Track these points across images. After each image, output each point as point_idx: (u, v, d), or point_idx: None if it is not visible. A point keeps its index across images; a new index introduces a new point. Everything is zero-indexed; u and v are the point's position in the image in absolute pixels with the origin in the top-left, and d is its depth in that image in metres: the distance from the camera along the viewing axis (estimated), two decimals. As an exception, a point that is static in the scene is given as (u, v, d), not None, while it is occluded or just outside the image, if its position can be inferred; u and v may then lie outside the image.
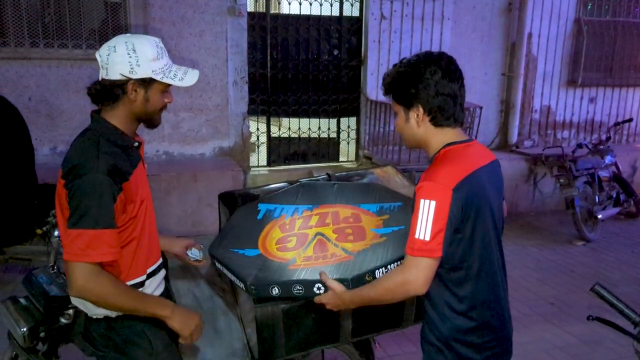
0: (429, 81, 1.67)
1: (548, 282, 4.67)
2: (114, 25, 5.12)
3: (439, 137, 1.73)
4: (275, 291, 1.84)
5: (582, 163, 5.70)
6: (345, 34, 6.09)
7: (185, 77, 1.81)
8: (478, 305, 1.72)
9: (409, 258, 1.62)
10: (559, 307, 4.22)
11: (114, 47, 1.72)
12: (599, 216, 5.74)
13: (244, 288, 1.90)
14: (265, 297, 1.86)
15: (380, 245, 1.96)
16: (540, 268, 4.99)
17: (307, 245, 2.03)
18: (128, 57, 1.70)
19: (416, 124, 1.73)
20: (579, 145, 5.98)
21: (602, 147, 6.09)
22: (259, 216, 2.27)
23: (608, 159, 6.04)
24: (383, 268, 1.83)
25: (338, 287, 1.77)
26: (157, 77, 1.74)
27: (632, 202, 6.27)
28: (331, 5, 5.96)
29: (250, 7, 5.87)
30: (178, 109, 5.37)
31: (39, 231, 3.44)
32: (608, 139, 6.21)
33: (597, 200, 5.78)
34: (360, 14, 6.10)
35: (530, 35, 6.59)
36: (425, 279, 1.60)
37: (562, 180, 5.60)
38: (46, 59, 5.01)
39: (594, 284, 1.78)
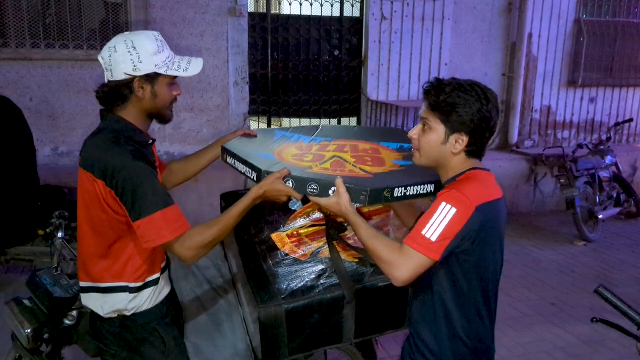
0: (489, 118, 1.65)
1: (549, 283, 4.68)
2: (115, 25, 5.13)
3: (464, 164, 1.71)
4: (290, 184, 1.79)
5: (583, 163, 5.71)
6: (346, 34, 6.09)
7: (189, 67, 1.82)
8: (473, 333, 1.72)
9: (406, 247, 1.61)
10: (560, 307, 4.23)
11: (114, 47, 1.73)
12: (600, 216, 5.75)
13: (255, 179, 1.86)
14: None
15: (400, 172, 1.94)
16: (541, 268, 5.00)
17: (324, 162, 2.00)
18: (129, 55, 1.71)
19: (452, 149, 1.68)
20: (580, 146, 5.99)
21: (602, 147, 6.09)
22: (275, 138, 2.26)
23: (608, 159, 6.04)
24: (403, 188, 1.80)
25: (346, 197, 1.73)
26: (162, 71, 1.75)
27: (632, 202, 6.28)
28: (332, 6, 5.97)
29: (251, 8, 5.87)
30: (179, 109, 5.37)
31: (40, 232, 3.46)
32: (608, 139, 6.22)
33: (597, 200, 5.79)
34: (360, 14, 6.10)
35: (530, 35, 6.60)
36: (411, 273, 1.60)
37: (562, 181, 5.61)
38: (47, 60, 5.02)
39: (597, 285, 1.78)
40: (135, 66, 1.71)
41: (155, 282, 1.86)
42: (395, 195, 1.79)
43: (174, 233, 1.69)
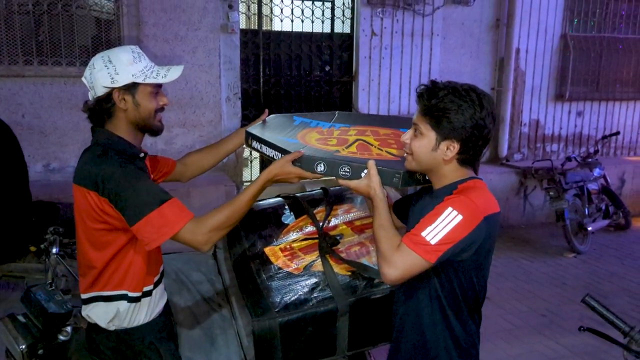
0: (482, 125, 1.60)
1: (540, 294, 4.71)
2: (107, 42, 5.16)
3: (458, 172, 1.68)
4: (321, 168, 1.79)
5: (571, 176, 5.79)
6: (336, 50, 6.17)
7: (168, 74, 1.83)
8: (469, 338, 1.73)
9: (403, 246, 1.57)
10: (550, 318, 4.26)
11: (93, 64, 1.77)
12: (589, 228, 5.81)
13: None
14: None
15: None
16: (531, 280, 5.04)
17: (350, 145, 1.97)
18: (106, 69, 1.74)
19: (443, 155, 1.64)
20: (568, 159, 6.07)
21: (590, 160, 6.18)
22: (296, 123, 2.26)
23: (597, 172, 6.13)
24: None
25: (377, 180, 1.70)
26: (139, 80, 1.77)
27: (621, 214, 6.36)
28: (322, 23, 6.05)
29: (242, 24, 5.93)
30: (171, 125, 5.40)
31: (32, 248, 3.44)
32: (596, 152, 6.30)
33: (586, 212, 5.85)
34: (351, 30, 6.19)
35: (518, 50, 6.71)
36: (403, 272, 1.56)
37: (551, 193, 5.67)
38: (40, 77, 5.04)
39: (584, 295, 1.82)
40: (112, 78, 1.74)
41: (149, 294, 1.87)
42: (427, 178, 1.77)
43: (178, 225, 1.69)
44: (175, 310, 2.22)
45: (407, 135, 1.71)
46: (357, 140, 2.04)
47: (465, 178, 1.68)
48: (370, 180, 1.71)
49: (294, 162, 1.81)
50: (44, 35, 5.02)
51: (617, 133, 6.74)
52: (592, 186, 6.08)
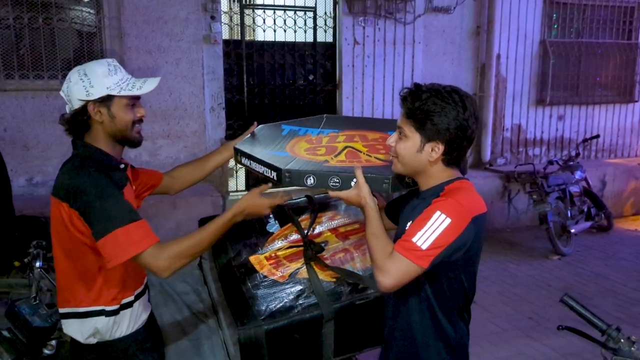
0: (466, 126, 1.62)
1: (526, 297, 4.76)
2: (89, 55, 5.15)
3: (444, 173, 1.70)
4: (311, 181, 1.79)
5: (554, 179, 5.86)
6: (319, 59, 6.21)
7: (143, 86, 1.83)
8: (458, 337, 1.75)
9: (395, 253, 1.58)
10: (537, 321, 4.30)
11: (69, 78, 1.79)
12: (572, 230, 5.89)
13: (275, 177, 1.85)
14: (296, 184, 1.82)
15: None
16: (517, 283, 5.09)
17: (338, 153, 1.98)
18: (81, 82, 1.76)
19: (429, 157, 1.66)
20: (550, 162, 6.17)
21: (572, 163, 6.27)
22: (284, 133, 2.26)
23: (578, 175, 6.22)
24: None
25: (366, 189, 1.72)
26: (114, 92, 1.78)
27: (602, 215, 6.45)
28: (305, 32, 6.09)
29: (225, 35, 5.95)
30: (155, 136, 5.39)
31: (16, 263, 3.41)
32: (577, 155, 6.40)
33: (569, 214, 5.94)
34: (333, 39, 6.23)
35: (498, 56, 6.80)
36: (397, 279, 1.57)
37: (535, 196, 5.75)
38: (22, 90, 5.01)
39: (562, 295, 1.85)
40: (87, 91, 1.76)
41: (129, 305, 1.86)
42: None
43: (142, 246, 1.68)
44: (162, 322, 2.22)
45: (392, 139, 1.73)
46: (345, 147, 2.05)
47: (451, 179, 1.70)
48: (359, 190, 1.73)
49: (283, 176, 1.82)
50: (25, 49, 5.00)
51: (597, 136, 6.85)
52: (574, 189, 6.17)
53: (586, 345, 3.73)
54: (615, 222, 6.77)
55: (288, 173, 1.82)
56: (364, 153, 1.99)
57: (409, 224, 1.68)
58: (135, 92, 1.81)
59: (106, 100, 1.78)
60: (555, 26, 7.21)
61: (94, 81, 1.76)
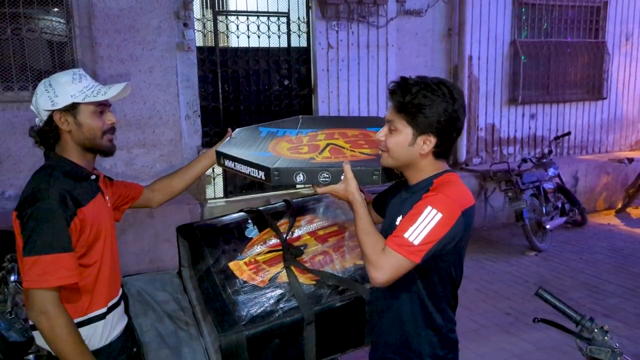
0: (456, 117, 1.64)
1: (504, 293, 4.83)
2: (60, 65, 5.08)
3: (434, 165, 1.72)
4: (300, 178, 1.79)
5: (528, 176, 5.97)
6: (294, 64, 6.23)
7: (108, 91, 1.81)
8: (448, 326, 1.79)
9: (388, 249, 1.60)
10: (515, 316, 4.37)
11: (36, 91, 1.79)
12: (547, 226, 5.99)
13: (263, 177, 1.85)
14: (285, 183, 1.81)
15: None
16: (495, 280, 5.16)
17: (322, 151, 1.98)
18: (47, 93, 1.76)
19: (420, 150, 1.67)
20: (524, 160, 6.28)
21: (545, 160, 6.39)
22: (262, 135, 2.25)
23: (551, 172, 6.34)
24: None
25: (354, 183, 1.73)
26: (78, 100, 1.76)
27: (576, 211, 6.59)
28: (279, 37, 6.10)
29: (199, 42, 5.93)
30: (131, 145, 5.34)
31: (-9, 278, 3.34)
32: (550, 152, 6.53)
33: (544, 211, 6.04)
34: (307, 44, 6.26)
35: (470, 58, 6.91)
36: (390, 275, 1.59)
37: (510, 194, 5.85)
38: (-8, 103, 4.92)
39: (537, 288, 1.89)
40: (52, 101, 1.75)
41: (101, 317, 1.83)
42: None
43: (58, 281, 1.64)
44: (142, 331, 2.20)
45: (381, 133, 1.73)
46: (328, 145, 2.06)
47: (440, 172, 1.72)
48: (347, 185, 1.74)
49: (272, 175, 1.81)
50: (-5, 61, 4.91)
51: (569, 133, 7.01)
52: (548, 185, 6.28)
53: (564, 338, 3.80)
54: (589, 217, 6.93)
55: (277, 171, 1.83)
56: (347, 149, 2.00)
57: (399, 218, 1.70)
58: (100, 98, 1.79)
59: (71, 108, 1.77)
60: (525, 27, 7.35)
61: (58, 90, 1.75)
